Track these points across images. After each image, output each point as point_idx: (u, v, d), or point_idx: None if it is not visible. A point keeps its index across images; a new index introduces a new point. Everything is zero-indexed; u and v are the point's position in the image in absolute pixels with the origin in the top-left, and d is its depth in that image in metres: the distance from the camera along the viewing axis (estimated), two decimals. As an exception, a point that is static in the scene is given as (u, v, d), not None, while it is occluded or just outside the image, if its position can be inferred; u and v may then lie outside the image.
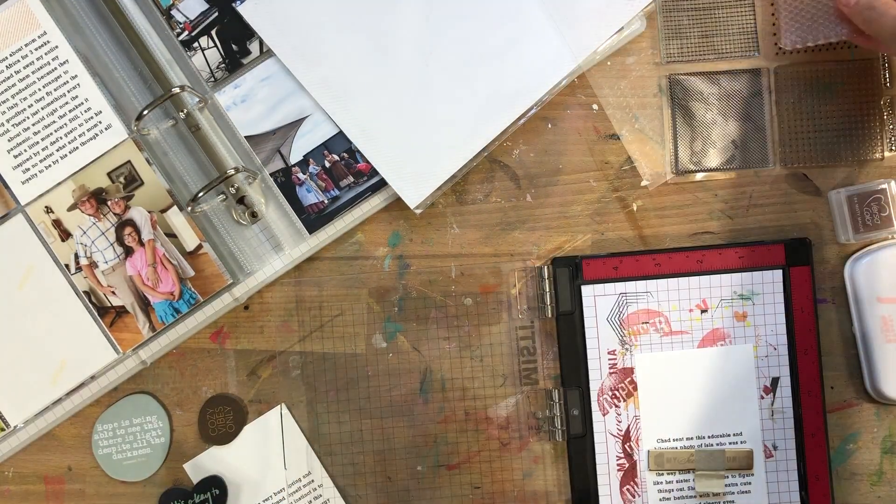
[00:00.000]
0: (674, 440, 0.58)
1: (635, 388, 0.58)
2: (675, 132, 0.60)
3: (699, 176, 0.60)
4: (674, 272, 0.59)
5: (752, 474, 0.58)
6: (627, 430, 0.58)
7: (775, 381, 0.58)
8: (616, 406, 0.58)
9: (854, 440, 0.59)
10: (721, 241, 0.60)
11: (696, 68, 0.61)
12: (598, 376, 0.58)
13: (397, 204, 0.60)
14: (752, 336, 0.58)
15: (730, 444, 0.58)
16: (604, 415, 0.58)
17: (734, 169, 0.60)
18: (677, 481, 0.58)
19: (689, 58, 0.61)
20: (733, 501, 0.58)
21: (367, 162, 0.59)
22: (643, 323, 0.59)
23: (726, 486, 0.58)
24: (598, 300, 0.59)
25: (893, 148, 0.60)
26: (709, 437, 0.58)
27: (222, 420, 0.60)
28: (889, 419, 0.59)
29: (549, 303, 0.59)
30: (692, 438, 0.58)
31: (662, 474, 0.58)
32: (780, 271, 0.58)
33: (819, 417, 0.58)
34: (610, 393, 0.58)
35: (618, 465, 0.58)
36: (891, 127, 0.60)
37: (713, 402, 0.58)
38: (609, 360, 0.58)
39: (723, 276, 0.59)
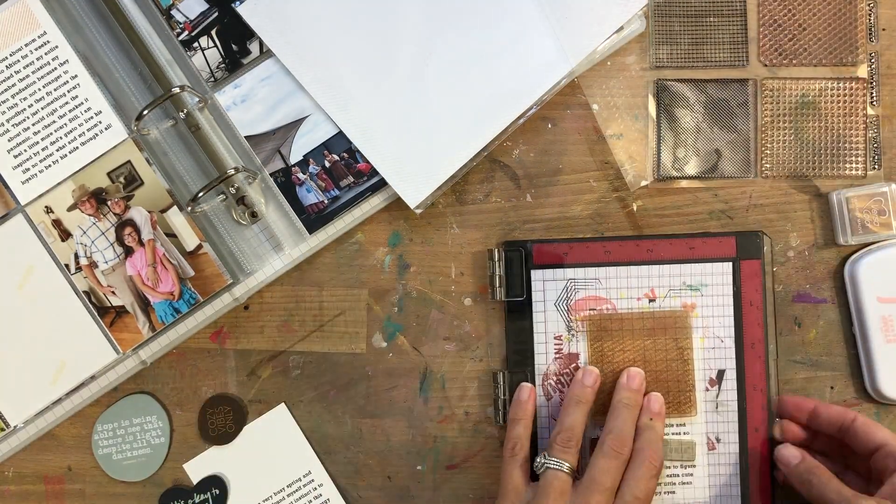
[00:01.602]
0: None
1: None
2: (658, 137, 0.61)
3: (682, 183, 0.60)
4: (623, 260, 0.59)
5: (694, 465, 0.58)
6: None
7: (721, 373, 0.58)
8: (560, 391, 0.58)
9: (854, 440, 0.59)
10: (721, 241, 0.60)
11: (685, 75, 0.61)
12: (544, 361, 0.58)
13: (397, 204, 0.60)
14: (700, 327, 0.58)
15: (672, 434, 0.58)
16: (548, 399, 0.58)
17: (715, 178, 0.60)
18: None
19: (677, 64, 0.61)
20: (674, 492, 0.58)
21: (367, 162, 0.59)
22: (590, 310, 0.59)
23: (668, 476, 0.58)
24: (546, 285, 0.59)
25: (876, 166, 0.60)
26: None
27: (222, 420, 0.60)
28: (889, 419, 0.59)
29: (498, 286, 0.59)
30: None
31: None
32: (731, 264, 0.58)
33: (763, 412, 0.58)
34: (554, 378, 0.58)
35: None
36: (874, 145, 0.60)
37: (658, 391, 0.58)
38: (555, 345, 0.58)
39: (672, 266, 0.58)
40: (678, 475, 0.58)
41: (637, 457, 0.53)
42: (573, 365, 0.58)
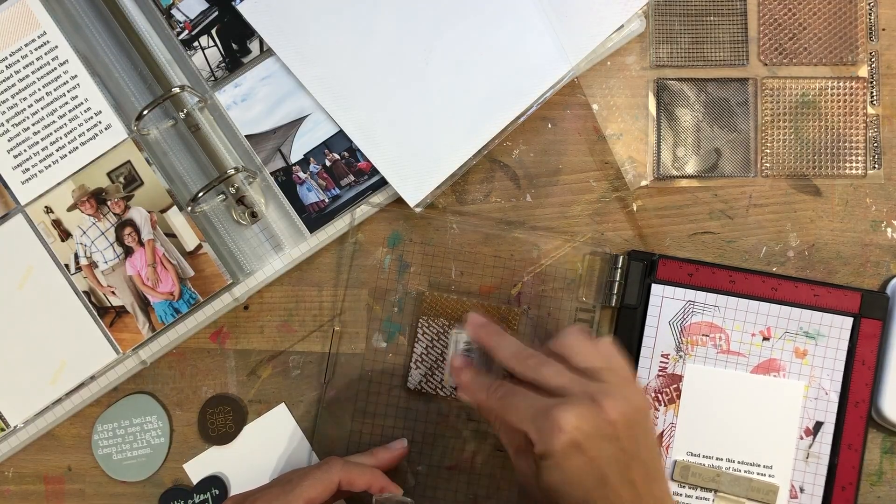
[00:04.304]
0: (703, 456, 0.58)
1: (679, 397, 0.58)
2: (659, 136, 0.61)
3: (682, 182, 0.60)
4: (746, 293, 0.58)
5: None
6: (661, 435, 0.58)
7: (819, 425, 0.57)
8: (656, 409, 0.58)
9: (854, 440, 0.59)
10: (722, 241, 0.60)
11: (685, 74, 0.61)
12: (647, 375, 0.58)
13: (398, 204, 0.60)
14: (808, 375, 0.58)
15: (758, 474, 0.57)
16: None
17: (715, 177, 0.60)
18: (696, 497, 0.58)
19: (678, 63, 0.61)
20: None
21: (368, 161, 0.59)
22: (703, 335, 0.58)
23: None
24: (665, 301, 0.58)
25: (876, 166, 0.60)
26: (738, 461, 0.58)
27: (222, 420, 0.60)
28: (889, 443, 0.59)
29: (615, 292, 0.59)
30: (722, 459, 0.58)
31: (684, 486, 0.58)
32: (852, 319, 0.58)
33: (854, 473, 0.57)
34: (653, 394, 0.58)
35: None
36: (874, 145, 0.60)
37: (751, 430, 0.58)
38: (661, 362, 0.58)
39: (793, 308, 0.58)
40: None
41: None
42: (674, 386, 0.58)
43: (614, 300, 0.58)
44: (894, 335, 0.58)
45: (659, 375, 0.58)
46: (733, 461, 0.58)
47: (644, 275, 0.58)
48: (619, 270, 0.59)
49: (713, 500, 0.57)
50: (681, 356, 0.58)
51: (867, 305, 0.58)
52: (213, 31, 0.60)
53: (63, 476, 0.60)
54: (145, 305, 0.59)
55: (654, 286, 0.58)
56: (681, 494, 0.58)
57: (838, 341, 0.58)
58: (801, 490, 0.57)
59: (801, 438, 0.58)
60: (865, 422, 0.57)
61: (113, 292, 0.59)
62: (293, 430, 0.60)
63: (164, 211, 0.59)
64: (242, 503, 0.51)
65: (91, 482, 0.60)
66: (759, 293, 0.58)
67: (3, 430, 0.59)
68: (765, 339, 0.58)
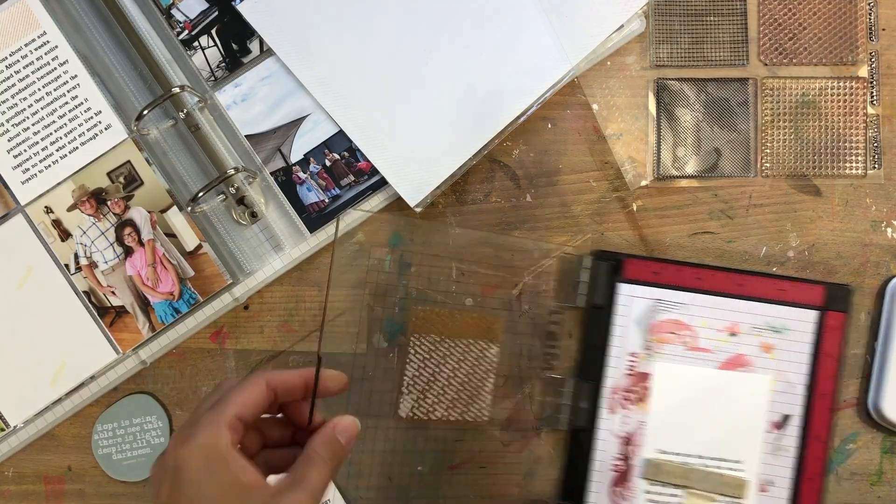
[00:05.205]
0: (673, 454, 0.58)
1: (648, 395, 0.58)
2: (658, 136, 0.61)
3: (682, 182, 0.60)
4: (712, 289, 0.58)
5: None
6: (631, 434, 0.58)
7: (786, 418, 0.58)
8: (625, 408, 0.58)
9: (854, 440, 0.59)
10: (722, 241, 0.60)
11: (685, 74, 0.61)
12: (615, 375, 0.58)
13: (398, 204, 0.60)
14: (774, 369, 0.58)
15: (727, 469, 0.58)
16: (611, 413, 0.58)
17: (715, 177, 0.60)
18: (668, 494, 0.58)
19: (678, 63, 0.61)
20: None
21: (368, 161, 0.59)
22: (671, 333, 0.58)
23: None
24: (632, 300, 0.58)
25: (876, 166, 0.60)
26: (708, 457, 0.58)
27: (222, 420, 0.60)
28: (889, 443, 0.59)
29: (583, 292, 0.59)
30: (692, 456, 0.58)
31: (655, 484, 0.58)
32: (816, 312, 0.58)
33: (821, 464, 0.57)
34: (622, 393, 0.58)
35: (614, 465, 0.58)
36: (874, 145, 0.60)
37: (720, 425, 0.58)
38: (629, 361, 0.58)
39: (759, 304, 0.58)
40: None
41: None
42: (643, 384, 0.58)
43: (582, 300, 0.59)
44: (894, 334, 0.58)
45: (628, 374, 0.58)
46: (703, 457, 0.58)
47: (611, 274, 0.58)
48: (585, 271, 0.59)
49: (684, 497, 0.58)
50: (649, 354, 0.58)
51: (831, 298, 0.58)
52: (213, 31, 0.60)
53: (63, 476, 0.60)
54: (145, 305, 0.59)
55: (620, 285, 0.58)
56: (651, 492, 0.58)
57: (803, 334, 0.58)
58: (771, 484, 0.58)
59: (769, 432, 0.58)
60: (831, 413, 0.57)
61: (113, 292, 0.59)
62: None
63: (164, 211, 0.59)
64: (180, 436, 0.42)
65: (91, 482, 0.60)
66: (725, 289, 0.58)
67: (3, 430, 0.59)
68: (732, 334, 0.58)
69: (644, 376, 0.58)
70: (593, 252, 0.59)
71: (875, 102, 0.60)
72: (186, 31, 0.60)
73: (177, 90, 0.58)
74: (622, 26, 0.59)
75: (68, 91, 0.60)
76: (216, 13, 0.60)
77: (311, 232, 0.59)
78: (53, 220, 0.59)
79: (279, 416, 0.46)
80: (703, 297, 0.58)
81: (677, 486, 0.57)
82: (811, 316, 0.58)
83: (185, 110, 0.59)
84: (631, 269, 0.58)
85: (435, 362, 0.58)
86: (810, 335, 0.58)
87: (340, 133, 0.59)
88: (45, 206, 0.59)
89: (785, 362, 0.58)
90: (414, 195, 0.58)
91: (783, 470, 0.58)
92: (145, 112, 0.57)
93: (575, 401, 0.58)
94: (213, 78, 0.60)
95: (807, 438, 0.57)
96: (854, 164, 0.60)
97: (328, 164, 0.59)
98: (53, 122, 0.59)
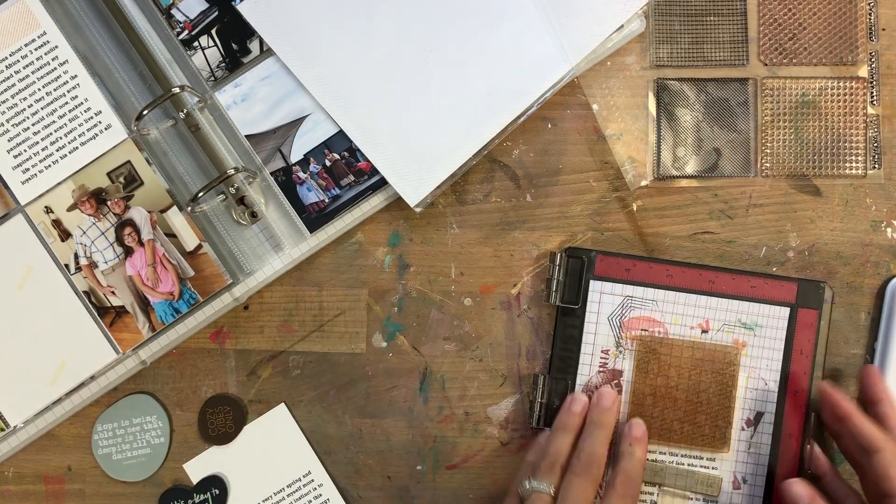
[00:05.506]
0: (647, 451, 0.58)
1: (620, 392, 0.58)
2: (658, 136, 0.61)
3: (682, 182, 0.60)
4: (683, 287, 0.58)
5: (717, 502, 0.57)
6: None
7: (759, 415, 0.58)
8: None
9: (854, 440, 0.59)
10: (722, 241, 0.60)
11: (685, 74, 0.61)
12: (587, 372, 0.58)
13: (398, 204, 0.60)
14: (747, 366, 0.58)
15: (701, 466, 0.58)
16: None
17: (715, 177, 0.60)
18: (642, 492, 0.58)
19: (678, 63, 0.61)
20: None
21: (368, 161, 0.59)
22: (642, 329, 0.58)
23: None
24: (603, 297, 0.58)
25: (876, 166, 0.60)
26: (681, 455, 0.58)
27: (222, 420, 0.60)
28: None
29: (554, 289, 0.59)
30: (665, 453, 0.58)
31: None
32: (788, 309, 0.58)
33: (794, 460, 0.57)
34: (595, 391, 0.58)
35: None
36: (874, 145, 0.60)
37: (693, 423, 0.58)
38: (601, 358, 0.58)
39: (731, 301, 0.58)
40: None
41: (609, 486, 0.53)
42: (615, 381, 0.58)
43: (553, 297, 0.59)
44: (894, 334, 0.58)
45: (600, 371, 0.58)
46: (676, 454, 0.58)
47: (582, 271, 0.58)
48: (557, 268, 0.59)
49: (657, 494, 0.58)
50: (621, 351, 0.58)
51: (803, 295, 0.58)
52: (213, 31, 0.60)
53: (63, 476, 0.60)
54: (145, 305, 0.59)
55: (592, 282, 0.58)
56: None
57: (776, 331, 0.58)
58: (745, 481, 0.58)
59: (743, 429, 0.58)
60: (804, 411, 0.57)
61: (113, 292, 0.59)
62: (293, 430, 0.60)
63: (164, 211, 0.59)
64: None
65: (91, 482, 0.60)
66: (697, 286, 0.58)
67: (3, 430, 0.59)
68: (703, 331, 0.58)
69: (617, 373, 0.58)
70: (565, 249, 0.59)
71: (875, 102, 0.60)
72: (186, 31, 0.60)
73: (177, 90, 0.58)
74: (622, 26, 0.59)
75: (68, 91, 0.60)
76: (216, 13, 0.60)
77: (311, 232, 0.59)
78: (53, 220, 0.59)
79: None
80: (674, 293, 0.58)
81: (651, 483, 0.57)
82: (783, 313, 0.58)
83: (185, 110, 0.59)
84: (602, 266, 0.59)
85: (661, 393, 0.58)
86: (783, 332, 0.58)
87: (340, 133, 0.59)
88: (45, 206, 0.59)
89: (758, 359, 0.58)
90: (414, 195, 0.58)
91: (757, 468, 0.58)
92: (145, 112, 0.57)
93: (548, 398, 0.58)
94: (213, 78, 0.60)
95: (780, 436, 0.57)
96: (854, 164, 0.60)
97: (328, 164, 0.59)
98: (53, 122, 0.59)
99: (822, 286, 0.58)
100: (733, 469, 0.58)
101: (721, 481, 0.57)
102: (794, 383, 0.58)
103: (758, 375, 0.58)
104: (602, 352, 0.58)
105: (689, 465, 0.58)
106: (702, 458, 0.58)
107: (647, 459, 0.57)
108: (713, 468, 0.58)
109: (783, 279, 0.58)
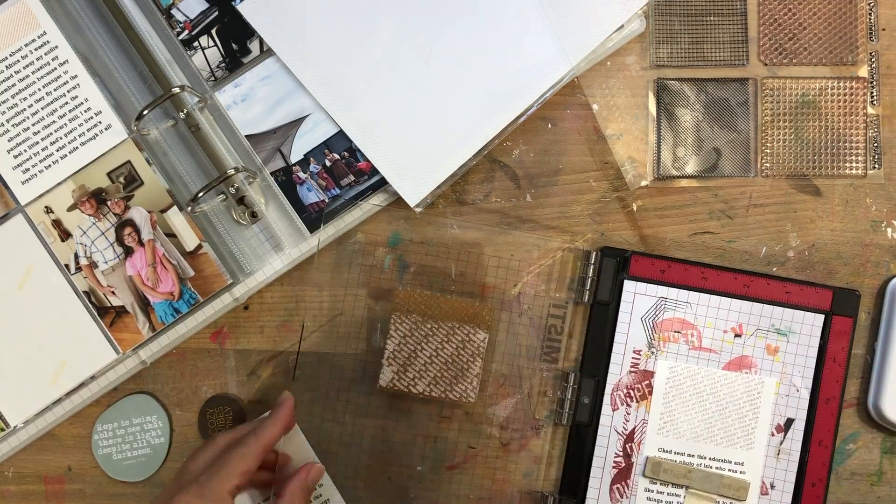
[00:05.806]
0: (675, 453, 0.58)
1: (651, 393, 0.58)
2: (659, 136, 0.61)
3: (682, 182, 0.60)
4: (718, 290, 0.58)
5: None
6: (632, 431, 0.58)
7: (790, 422, 0.58)
8: (628, 405, 0.58)
9: (854, 440, 0.59)
10: (722, 241, 0.60)
11: (685, 74, 0.61)
12: (618, 371, 0.58)
13: (398, 204, 0.60)
14: (779, 372, 0.58)
15: (729, 470, 0.58)
16: (613, 410, 0.58)
17: (715, 177, 0.60)
18: (668, 493, 0.58)
19: (678, 63, 0.61)
20: None
21: (368, 161, 0.59)
22: (675, 331, 0.58)
23: None
24: (637, 298, 0.58)
25: (876, 166, 0.60)
26: (710, 458, 0.58)
27: (222, 420, 0.60)
28: (889, 443, 0.59)
29: (588, 288, 0.59)
30: (693, 456, 0.58)
31: (655, 483, 0.58)
32: (823, 316, 0.58)
33: (824, 469, 0.57)
34: (625, 390, 0.58)
35: (614, 462, 0.58)
36: (874, 145, 0.60)
37: (723, 426, 0.58)
38: (633, 358, 0.58)
39: (765, 305, 0.58)
40: None
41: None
42: (646, 382, 0.58)
43: (587, 296, 0.59)
44: (894, 334, 0.58)
45: (631, 371, 0.58)
46: (705, 458, 0.58)
47: (617, 271, 0.58)
48: (591, 266, 0.59)
49: (684, 497, 0.58)
50: (653, 352, 0.58)
51: (838, 303, 0.58)
52: (213, 31, 0.60)
53: (63, 476, 0.60)
54: (145, 305, 0.59)
55: (626, 282, 0.58)
56: (652, 490, 0.58)
57: (809, 338, 0.58)
58: (772, 486, 0.58)
59: (773, 435, 0.58)
60: (836, 419, 0.57)
61: (113, 292, 0.59)
62: (293, 430, 0.60)
63: (164, 211, 0.59)
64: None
65: (91, 482, 0.60)
66: (732, 290, 0.58)
67: (3, 430, 0.59)
68: (736, 335, 0.58)
69: (648, 374, 0.58)
70: (600, 248, 0.59)
71: (875, 102, 0.60)
72: (186, 31, 0.60)
73: (177, 90, 0.58)
74: (622, 26, 0.59)
75: (68, 91, 0.60)
76: (216, 13, 0.60)
77: (311, 232, 0.59)
78: (53, 220, 0.59)
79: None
80: (708, 296, 0.58)
81: (678, 485, 0.58)
82: (818, 320, 0.58)
83: (185, 110, 0.59)
84: (637, 266, 0.58)
85: (416, 340, 0.58)
86: (816, 339, 0.58)
87: (340, 133, 0.59)
88: (46, 206, 0.59)
89: (790, 365, 0.58)
90: (414, 195, 0.58)
91: (786, 474, 0.58)
92: (145, 112, 0.57)
93: (577, 396, 0.58)
94: (213, 78, 0.60)
95: (810, 443, 0.57)
96: (854, 164, 0.60)
97: (328, 164, 0.59)
98: (53, 122, 0.59)
99: (857, 294, 0.58)
100: (762, 474, 0.58)
101: (749, 486, 0.57)
102: (826, 391, 0.58)
103: (790, 382, 0.58)
104: (634, 352, 0.58)
105: (717, 468, 0.58)
106: (730, 462, 0.58)
107: (676, 462, 0.57)
108: (741, 472, 0.58)
109: (819, 286, 0.58)
